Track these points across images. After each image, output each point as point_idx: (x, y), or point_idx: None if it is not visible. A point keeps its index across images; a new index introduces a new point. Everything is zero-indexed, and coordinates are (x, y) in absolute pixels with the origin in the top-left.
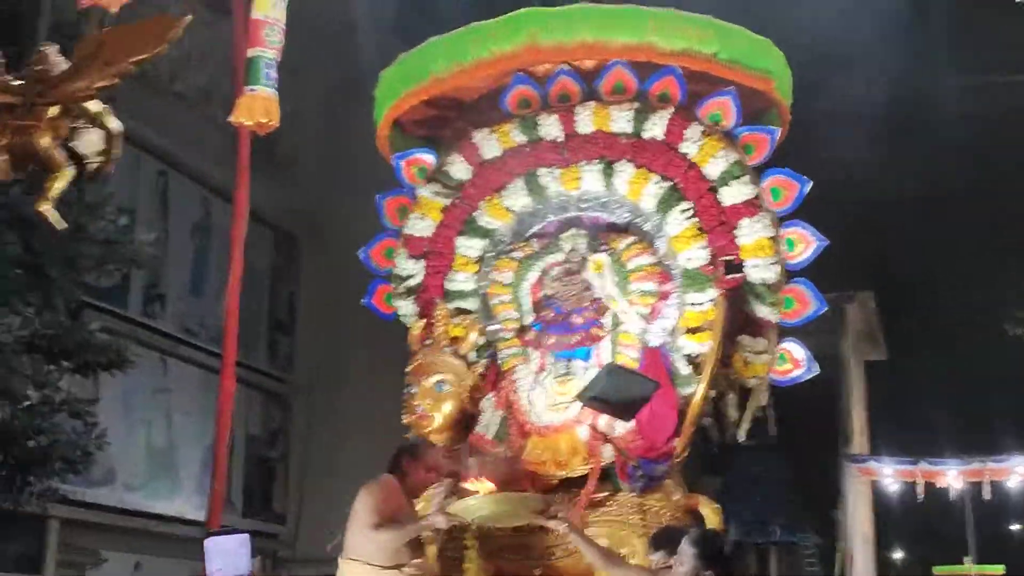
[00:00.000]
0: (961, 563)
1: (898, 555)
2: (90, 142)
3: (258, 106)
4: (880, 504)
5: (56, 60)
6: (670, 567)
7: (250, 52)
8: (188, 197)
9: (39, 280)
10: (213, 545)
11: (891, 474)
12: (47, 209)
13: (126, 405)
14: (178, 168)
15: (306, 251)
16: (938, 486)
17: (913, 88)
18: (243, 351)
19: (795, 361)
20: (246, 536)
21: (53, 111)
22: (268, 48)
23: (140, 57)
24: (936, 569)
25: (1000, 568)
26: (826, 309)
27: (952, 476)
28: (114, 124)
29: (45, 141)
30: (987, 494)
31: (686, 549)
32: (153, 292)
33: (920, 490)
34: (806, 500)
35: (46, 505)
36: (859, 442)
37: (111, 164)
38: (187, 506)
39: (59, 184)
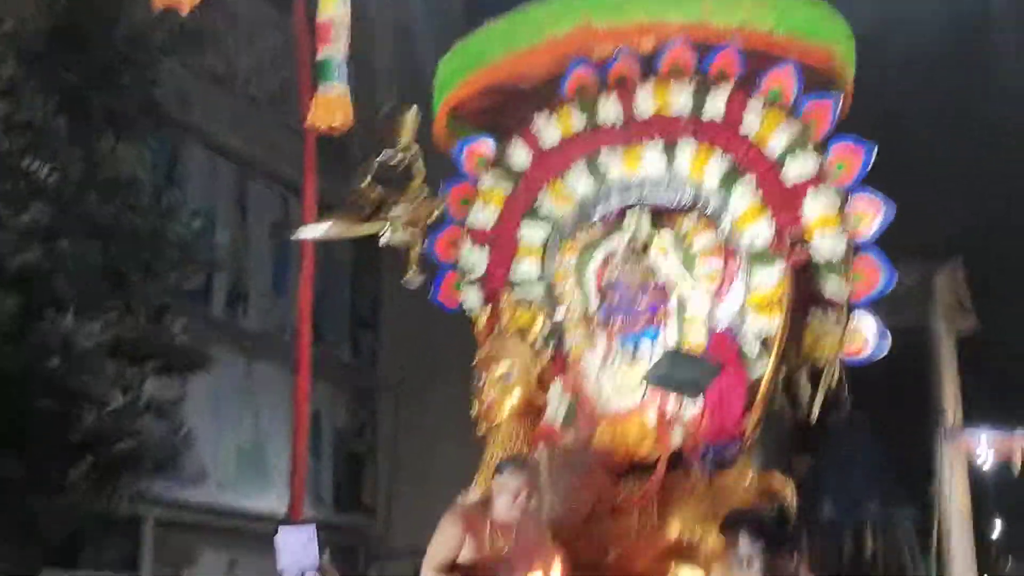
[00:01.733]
0: None
1: (996, 529)
2: None
3: (332, 106)
4: (976, 477)
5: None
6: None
7: (320, 53)
8: (266, 197)
9: (120, 286)
10: (282, 539)
11: (986, 447)
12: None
13: (213, 405)
14: (255, 169)
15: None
16: None
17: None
18: (327, 347)
19: (868, 337)
20: (312, 528)
21: None
22: (338, 48)
23: None
24: None
25: None
26: (896, 281)
27: None
28: None
29: None
30: None
31: (743, 547)
32: (235, 292)
33: (1017, 462)
34: (901, 476)
35: (139, 507)
36: (952, 415)
37: None
38: (279, 503)
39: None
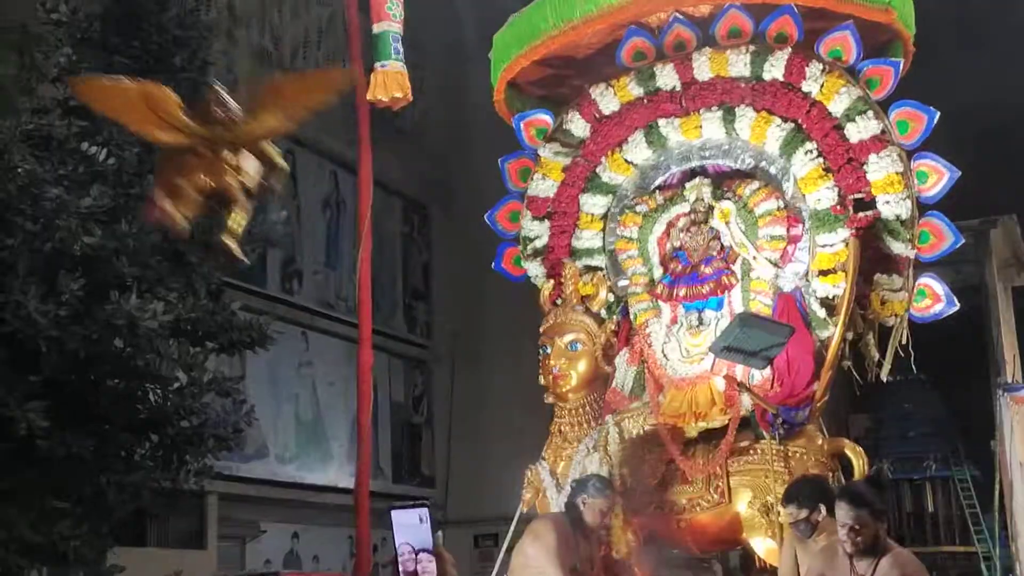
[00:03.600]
0: None
1: None
2: (253, 170)
3: (391, 81)
4: None
5: (230, 102)
6: (808, 520)
7: (376, 28)
8: (316, 173)
9: (179, 266)
10: (396, 518)
11: None
12: (230, 243)
13: (272, 381)
14: (305, 145)
15: (436, 217)
16: None
17: None
18: (381, 320)
19: (935, 296)
20: (426, 509)
21: (232, 152)
22: (393, 22)
23: (313, 106)
24: None
25: None
26: (963, 242)
27: None
28: (281, 163)
29: (230, 179)
30: None
31: (843, 511)
32: (290, 268)
33: None
34: (960, 433)
35: (204, 482)
36: (1011, 370)
37: (275, 189)
38: (339, 475)
39: (241, 220)
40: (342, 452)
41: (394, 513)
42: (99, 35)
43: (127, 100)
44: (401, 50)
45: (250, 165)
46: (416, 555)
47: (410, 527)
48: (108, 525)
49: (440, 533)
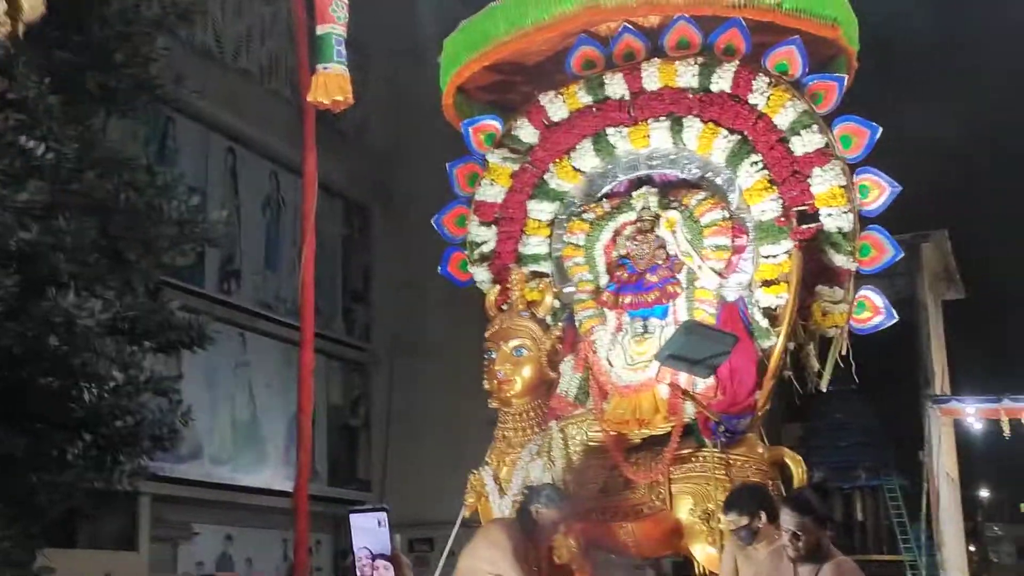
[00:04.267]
0: None
1: (984, 494)
2: None
3: (332, 84)
4: (964, 444)
5: None
6: (749, 527)
7: (319, 29)
8: (257, 172)
9: (118, 264)
10: (354, 522)
11: (974, 413)
12: None
13: (209, 381)
14: (246, 144)
15: (378, 220)
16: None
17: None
18: (320, 322)
19: (875, 308)
20: (385, 514)
21: None
22: (337, 24)
23: None
24: (1023, 506)
25: None
26: (902, 255)
27: None
28: None
29: None
30: None
31: (788, 517)
32: (228, 268)
33: (1005, 428)
34: (890, 443)
35: (137, 483)
36: (940, 382)
37: None
38: (274, 477)
39: None
40: (278, 454)
41: (352, 517)
42: (38, 29)
43: None
44: (344, 53)
45: None
46: (373, 560)
47: (368, 531)
48: (39, 526)
49: (397, 537)
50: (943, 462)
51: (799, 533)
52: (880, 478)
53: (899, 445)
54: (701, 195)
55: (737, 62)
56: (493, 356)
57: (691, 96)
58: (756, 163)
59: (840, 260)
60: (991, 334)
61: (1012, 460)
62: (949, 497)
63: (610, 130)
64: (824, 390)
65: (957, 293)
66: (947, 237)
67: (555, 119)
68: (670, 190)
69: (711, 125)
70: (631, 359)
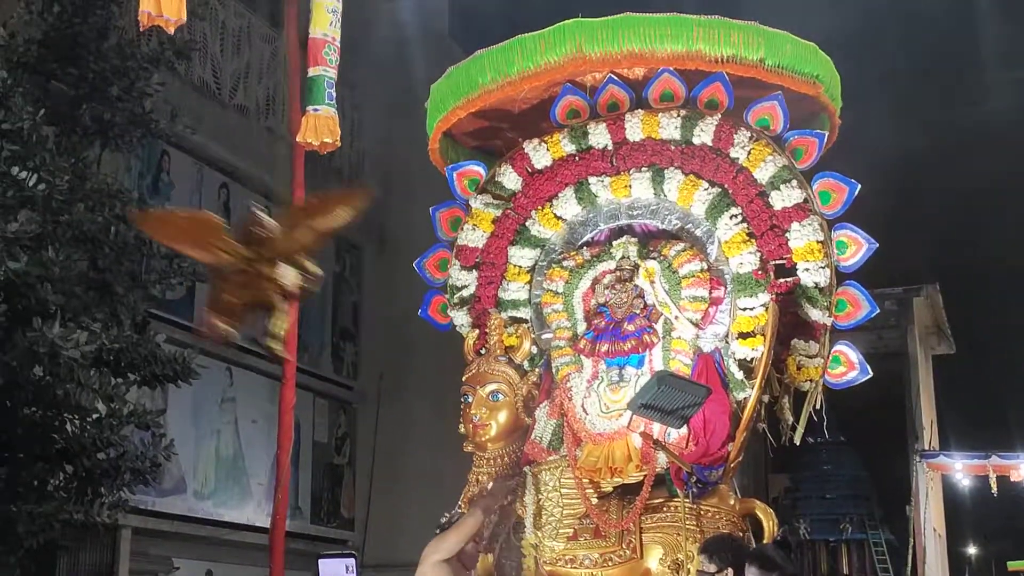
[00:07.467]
0: None
1: (971, 550)
2: (290, 277)
3: (322, 126)
4: (952, 499)
5: (267, 221)
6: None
7: (311, 71)
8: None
9: (105, 296)
10: (324, 567)
11: (962, 469)
12: (276, 345)
13: (194, 415)
14: (239, 179)
15: (370, 260)
16: (1011, 480)
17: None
18: (308, 359)
19: (849, 363)
20: (353, 560)
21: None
22: (328, 67)
23: (339, 222)
24: (1011, 564)
25: None
26: (878, 311)
27: None
28: (316, 270)
29: (271, 289)
30: None
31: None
32: None
33: (993, 485)
34: (877, 497)
35: (117, 515)
36: (929, 437)
37: (312, 292)
38: (257, 513)
39: (283, 323)
40: (261, 490)
41: (321, 562)
42: (36, 60)
43: (179, 228)
44: (334, 95)
45: (288, 275)
46: None
47: None
48: (16, 556)
49: None
50: (930, 517)
51: None
52: (867, 531)
53: (886, 498)
54: (680, 246)
55: (719, 116)
56: (469, 400)
57: (673, 148)
58: (735, 216)
59: (816, 315)
60: (981, 390)
61: (1000, 517)
62: (935, 552)
63: (592, 179)
64: (801, 442)
65: (947, 348)
66: (938, 291)
67: (538, 167)
68: (650, 240)
69: (692, 177)
70: (605, 407)
